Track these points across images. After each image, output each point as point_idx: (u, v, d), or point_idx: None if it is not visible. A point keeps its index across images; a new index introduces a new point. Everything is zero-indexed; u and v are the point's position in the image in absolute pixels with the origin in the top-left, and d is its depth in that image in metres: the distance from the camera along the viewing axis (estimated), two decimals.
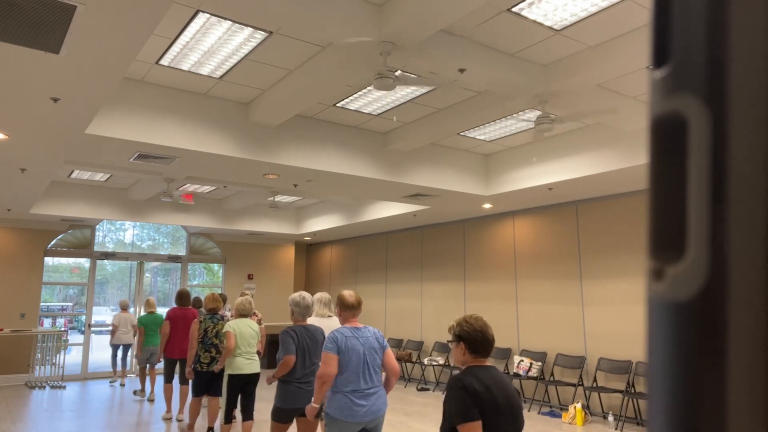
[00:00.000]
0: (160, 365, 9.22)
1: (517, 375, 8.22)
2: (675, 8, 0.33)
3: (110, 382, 9.99)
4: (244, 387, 5.41)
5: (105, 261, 11.55)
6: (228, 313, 8.20)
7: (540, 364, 8.12)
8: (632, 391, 7.06)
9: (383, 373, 3.65)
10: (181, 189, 9.54)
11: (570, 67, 4.74)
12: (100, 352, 10.20)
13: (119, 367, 9.96)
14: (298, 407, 4.10)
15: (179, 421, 7.07)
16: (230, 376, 5.31)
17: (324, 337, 4.39)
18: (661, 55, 0.34)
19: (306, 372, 4.16)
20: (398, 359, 10.42)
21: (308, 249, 14.99)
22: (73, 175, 8.82)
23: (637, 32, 4.28)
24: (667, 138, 0.33)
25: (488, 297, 9.46)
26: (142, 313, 9.07)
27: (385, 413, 3.58)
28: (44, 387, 9.56)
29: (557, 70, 4.84)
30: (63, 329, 10.55)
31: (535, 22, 4.24)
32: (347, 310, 3.65)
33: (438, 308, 10.47)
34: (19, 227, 10.40)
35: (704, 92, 0.32)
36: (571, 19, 4.20)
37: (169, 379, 7.19)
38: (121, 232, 11.91)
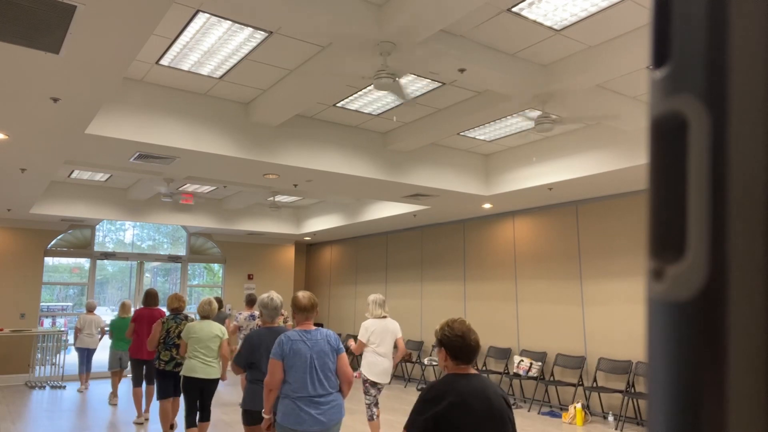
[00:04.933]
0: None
1: (517, 375, 8.22)
2: (675, 8, 0.33)
3: (78, 390, 9.51)
4: (201, 391, 5.23)
5: (105, 261, 11.55)
6: (253, 318, 7.98)
7: (540, 364, 8.12)
8: (632, 391, 7.06)
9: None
10: (181, 189, 9.54)
11: (570, 67, 4.74)
12: (101, 351, 10.16)
13: (85, 371, 9.38)
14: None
15: (147, 420, 6.96)
16: (184, 378, 5.12)
17: None
18: (661, 55, 0.34)
19: None
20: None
21: (308, 249, 14.99)
22: (73, 175, 8.82)
23: (637, 32, 4.28)
24: (667, 138, 0.33)
25: (488, 297, 9.46)
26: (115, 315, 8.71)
27: (339, 423, 3.36)
28: (44, 387, 9.55)
29: (557, 70, 4.84)
30: (63, 329, 10.54)
31: (535, 22, 4.24)
32: (300, 312, 3.44)
33: (438, 308, 10.47)
34: (19, 227, 10.41)
35: (704, 92, 0.32)
36: (571, 19, 4.20)
37: (137, 383, 6.97)
38: (121, 232, 11.92)
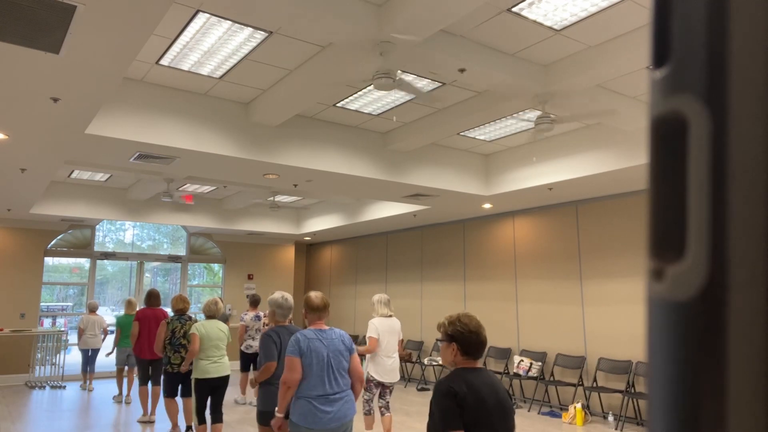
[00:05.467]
0: None
1: (517, 375, 8.22)
2: (675, 8, 0.33)
3: (81, 387, 9.53)
4: (214, 390, 5.27)
5: (105, 261, 11.55)
6: (258, 319, 7.94)
7: (540, 364, 8.12)
8: (632, 391, 7.06)
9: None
10: (181, 189, 9.54)
11: (570, 67, 4.74)
12: (102, 350, 10.14)
13: (89, 372, 9.38)
14: None
15: (152, 423, 6.95)
16: (197, 381, 5.17)
17: None
18: (661, 55, 0.34)
19: None
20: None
21: (308, 249, 14.99)
22: (73, 175, 8.82)
23: (637, 32, 4.28)
24: (667, 138, 0.33)
25: (488, 297, 9.46)
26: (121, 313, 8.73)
27: (352, 419, 3.43)
28: (44, 387, 9.55)
29: (557, 70, 4.84)
30: (63, 329, 10.54)
31: (535, 22, 4.24)
32: (313, 312, 3.50)
33: (438, 308, 10.46)
34: (19, 227, 10.40)
35: (704, 92, 0.32)
36: (571, 19, 4.20)
37: (143, 382, 6.98)
38: (121, 232, 11.92)
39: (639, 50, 4.26)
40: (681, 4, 0.33)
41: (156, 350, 5.91)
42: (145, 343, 6.90)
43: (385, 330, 5.55)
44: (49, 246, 10.73)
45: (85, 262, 11.30)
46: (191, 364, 5.61)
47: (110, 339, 9.67)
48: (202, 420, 5.24)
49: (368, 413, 5.56)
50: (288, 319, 4.04)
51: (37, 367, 10.15)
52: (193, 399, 5.26)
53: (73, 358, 11.70)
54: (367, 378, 5.55)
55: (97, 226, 11.35)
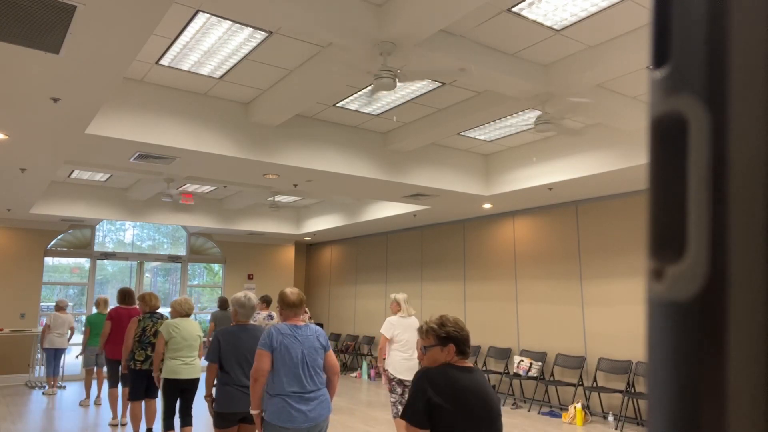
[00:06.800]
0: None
1: (517, 375, 8.22)
2: (675, 8, 0.33)
3: (43, 393, 9.04)
4: (182, 392, 5.09)
5: (105, 261, 11.55)
6: (271, 318, 7.72)
7: (540, 364, 8.12)
8: (632, 391, 7.05)
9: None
10: (181, 189, 9.54)
11: (570, 67, 4.74)
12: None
13: (53, 374, 8.99)
14: (239, 411, 3.88)
15: (123, 425, 6.77)
16: (165, 380, 4.97)
17: None
18: (661, 55, 0.34)
19: (247, 374, 3.94)
20: None
21: (308, 249, 14.99)
22: (73, 175, 8.82)
23: (637, 32, 4.28)
24: (667, 138, 0.33)
25: (488, 297, 9.46)
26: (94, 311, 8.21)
27: (327, 419, 3.35)
28: (44, 387, 9.55)
29: (557, 70, 4.84)
30: None
31: (535, 22, 4.24)
32: (288, 308, 3.41)
33: (438, 308, 10.46)
34: (19, 227, 10.40)
35: (704, 92, 0.32)
36: (571, 19, 4.20)
37: (113, 384, 6.74)
38: (121, 232, 11.91)
39: (639, 50, 4.26)
40: (681, 4, 0.33)
41: (124, 348, 5.68)
42: (116, 342, 6.61)
43: (401, 328, 5.53)
44: (49, 246, 10.74)
45: (85, 262, 11.30)
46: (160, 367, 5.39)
47: (79, 338, 9.25)
48: (168, 426, 5.03)
49: (397, 416, 5.49)
50: (305, 316, 3.93)
51: (37, 367, 10.15)
52: (161, 401, 5.04)
53: (73, 357, 11.69)
54: (390, 377, 5.51)
55: (97, 226, 11.35)
